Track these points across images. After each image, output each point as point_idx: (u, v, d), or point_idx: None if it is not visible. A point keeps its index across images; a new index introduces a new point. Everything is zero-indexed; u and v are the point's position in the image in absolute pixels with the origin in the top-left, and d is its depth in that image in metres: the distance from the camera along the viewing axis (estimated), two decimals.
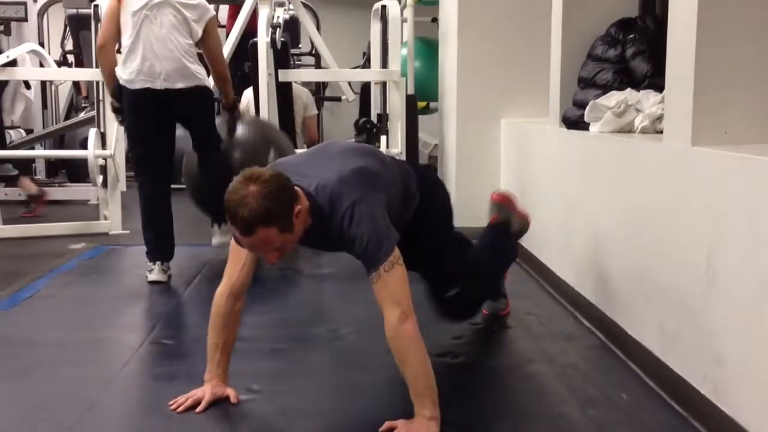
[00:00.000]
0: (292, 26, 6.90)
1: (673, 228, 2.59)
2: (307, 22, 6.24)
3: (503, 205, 3.43)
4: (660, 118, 3.12)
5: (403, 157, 5.48)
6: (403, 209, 2.63)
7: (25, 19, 7.94)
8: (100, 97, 5.82)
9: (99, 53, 4.31)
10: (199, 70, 4.11)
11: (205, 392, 2.48)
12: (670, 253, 2.61)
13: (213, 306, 2.52)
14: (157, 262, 4.12)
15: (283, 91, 5.55)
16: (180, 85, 4.03)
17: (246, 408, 2.48)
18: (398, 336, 2.22)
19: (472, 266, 3.06)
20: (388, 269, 2.22)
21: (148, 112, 4.07)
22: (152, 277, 4.08)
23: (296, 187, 2.26)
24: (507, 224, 3.40)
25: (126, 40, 4.04)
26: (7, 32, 7.79)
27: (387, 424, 2.25)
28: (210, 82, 4.34)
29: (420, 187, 2.76)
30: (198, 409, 2.43)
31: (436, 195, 2.91)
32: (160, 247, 4.18)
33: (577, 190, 3.59)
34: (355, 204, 2.25)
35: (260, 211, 2.11)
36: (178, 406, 2.45)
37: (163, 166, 4.26)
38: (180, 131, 4.29)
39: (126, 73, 4.02)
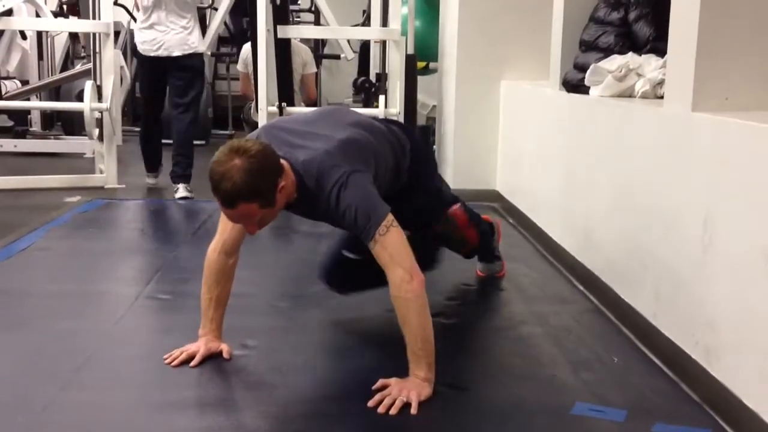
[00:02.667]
0: None
1: (670, 193, 2.59)
2: None
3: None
4: (661, 83, 3.10)
5: (402, 118, 5.45)
6: (393, 180, 2.61)
7: None
8: (97, 49, 5.76)
9: None
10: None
11: (199, 347, 2.49)
12: (667, 219, 2.61)
13: (205, 261, 2.53)
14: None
15: (282, 48, 5.49)
16: None
17: (240, 363, 2.49)
18: (401, 296, 2.22)
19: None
20: (383, 233, 2.22)
21: None
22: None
23: (283, 161, 2.25)
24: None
25: None
26: None
27: (380, 382, 2.27)
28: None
29: (413, 160, 2.72)
30: (192, 363, 2.44)
31: (429, 170, 2.89)
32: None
33: (576, 154, 3.58)
34: (341, 179, 2.24)
35: (242, 186, 2.10)
36: (173, 360, 2.46)
37: None
38: None
39: None
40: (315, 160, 2.28)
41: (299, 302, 3.15)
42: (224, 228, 2.49)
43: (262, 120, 5.33)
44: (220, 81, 9.24)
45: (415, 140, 2.81)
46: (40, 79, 7.80)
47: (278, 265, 3.72)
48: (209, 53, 5.73)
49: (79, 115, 5.74)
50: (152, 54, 5.32)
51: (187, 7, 5.33)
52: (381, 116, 5.41)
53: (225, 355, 2.50)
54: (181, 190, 5.27)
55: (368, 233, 2.23)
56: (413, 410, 2.17)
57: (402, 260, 2.24)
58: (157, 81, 5.50)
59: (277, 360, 2.55)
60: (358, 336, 2.81)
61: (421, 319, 2.24)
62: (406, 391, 2.21)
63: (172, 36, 5.29)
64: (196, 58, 5.42)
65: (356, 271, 2.82)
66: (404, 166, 2.69)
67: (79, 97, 5.91)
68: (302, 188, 2.29)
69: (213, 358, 2.49)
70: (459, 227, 3.15)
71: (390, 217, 2.26)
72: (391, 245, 2.23)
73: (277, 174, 2.20)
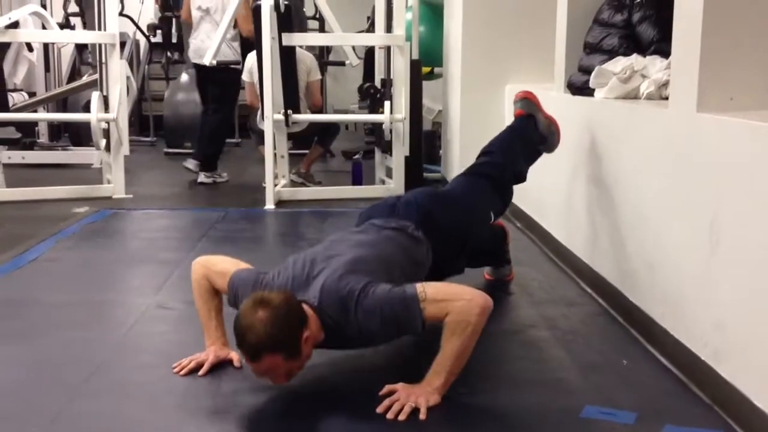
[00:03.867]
0: None
1: (677, 195, 2.59)
2: None
3: (529, 100, 3.42)
4: (666, 84, 3.10)
5: (407, 123, 5.45)
6: (418, 272, 2.59)
7: None
8: (103, 60, 5.79)
9: None
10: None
11: (208, 355, 2.50)
12: (674, 220, 2.60)
13: (193, 282, 2.54)
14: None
15: (287, 55, 5.51)
16: None
17: (248, 370, 2.48)
18: (468, 316, 2.20)
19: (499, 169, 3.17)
20: (423, 297, 2.20)
21: None
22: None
23: (304, 306, 2.24)
24: (533, 118, 3.40)
25: None
26: None
27: (387, 388, 2.27)
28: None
29: (430, 242, 2.72)
30: (201, 372, 2.45)
31: (448, 231, 2.84)
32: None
33: (582, 156, 3.57)
34: (359, 298, 2.22)
35: (266, 340, 2.11)
36: (182, 369, 2.47)
37: None
38: None
39: None
40: (331, 289, 2.26)
41: None
42: (216, 277, 2.49)
43: (268, 128, 5.35)
44: None
45: (427, 217, 2.76)
46: (46, 90, 7.85)
47: None
48: (215, 63, 5.76)
49: (86, 126, 5.77)
50: (196, 61, 6.25)
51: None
52: (387, 126, 5.43)
53: (235, 363, 2.50)
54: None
55: (416, 318, 2.20)
56: (422, 416, 2.17)
57: (461, 294, 2.23)
58: (201, 86, 6.48)
59: None
60: None
61: (469, 343, 2.23)
62: (414, 396, 2.21)
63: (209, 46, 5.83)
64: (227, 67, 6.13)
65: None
66: (423, 259, 2.68)
67: (86, 108, 5.94)
68: (326, 323, 2.27)
69: (222, 365, 2.50)
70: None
71: (418, 285, 2.24)
72: (438, 294, 2.22)
73: (301, 323, 2.20)
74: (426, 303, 2.20)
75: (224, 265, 2.52)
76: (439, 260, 2.76)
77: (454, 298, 2.22)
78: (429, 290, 2.23)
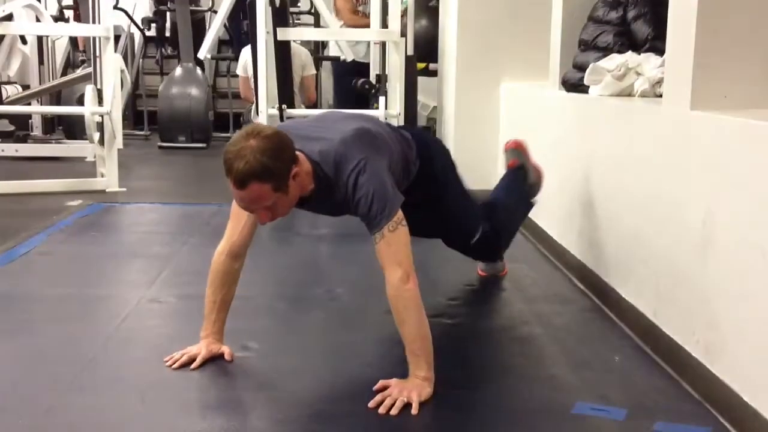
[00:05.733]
0: None
1: (670, 192, 2.59)
2: None
3: (519, 150, 3.46)
4: (660, 81, 3.10)
5: (402, 120, 5.45)
6: (402, 175, 2.63)
7: None
8: (97, 53, 5.77)
9: None
10: None
11: (200, 349, 2.49)
12: (667, 217, 2.61)
13: (212, 264, 2.53)
14: None
15: (282, 50, 5.50)
16: None
17: (241, 365, 2.49)
18: (399, 296, 2.23)
19: (489, 210, 3.17)
20: (392, 229, 2.23)
21: None
22: None
23: (298, 152, 2.25)
24: (524, 169, 3.43)
25: None
26: None
27: (381, 383, 2.27)
28: None
29: (419, 152, 2.76)
30: (193, 366, 2.44)
31: (436, 156, 2.90)
32: None
33: (576, 153, 3.58)
34: (359, 165, 2.25)
35: (255, 165, 2.10)
36: (174, 363, 2.46)
37: None
38: None
39: None
40: (332, 148, 2.29)
41: (300, 304, 3.15)
42: (233, 231, 2.49)
43: (262, 122, 5.34)
44: (220, 82, 9.26)
45: (420, 136, 2.84)
46: (40, 83, 7.82)
47: (279, 268, 3.73)
48: (209, 56, 5.75)
49: (80, 119, 5.75)
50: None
51: None
52: (382, 119, 5.43)
53: (227, 357, 2.50)
54: None
55: (378, 224, 2.23)
56: (414, 410, 2.17)
57: (402, 261, 2.24)
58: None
59: (278, 362, 2.56)
60: (358, 338, 2.80)
61: (419, 319, 2.25)
62: (406, 391, 2.21)
63: None
64: None
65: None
66: (412, 159, 2.71)
67: (80, 102, 5.92)
68: (319, 177, 2.29)
69: (214, 360, 2.49)
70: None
71: (401, 214, 2.27)
72: (397, 244, 2.24)
73: (291, 158, 2.20)
74: (389, 234, 2.22)
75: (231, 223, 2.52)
76: (409, 194, 2.69)
77: (399, 262, 2.23)
78: (399, 231, 2.23)
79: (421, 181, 2.76)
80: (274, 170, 2.14)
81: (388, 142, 2.50)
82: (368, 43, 6.27)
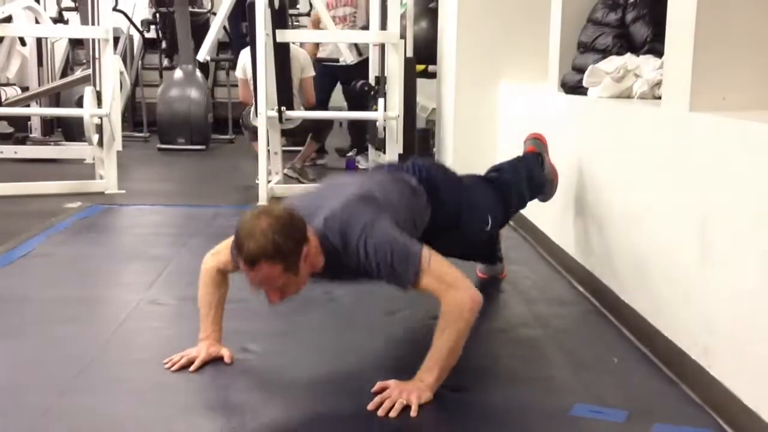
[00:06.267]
0: None
1: (669, 194, 2.59)
2: None
3: (539, 141, 3.48)
4: (659, 83, 3.10)
5: (401, 121, 5.46)
6: (414, 226, 2.58)
7: None
8: (96, 55, 5.77)
9: None
10: None
11: (199, 351, 2.49)
12: (666, 219, 2.61)
13: (201, 271, 2.54)
14: None
15: (281, 52, 5.50)
16: None
17: (241, 367, 2.49)
18: (459, 315, 2.19)
19: (500, 193, 3.16)
20: (426, 265, 2.20)
21: None
22: None
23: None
24: (541, 157, 3.44)
25: None
26: None
27: (379, 385, 2.27)
28: None
29: (429, 197, 2.71)
30: (192, 368, 2.44)
31: (444, 191, 2.82)
32: None
33: (575, 155, 3.58)
34: (365, 231, 2.22)
35: (266, 245, 2.09)
36: (173, 365, 2.46)
37: None
38: None
39: None
40: (335, 216, 2.27)
41: (299, 305, 3.13)
42: (226, 257, 2.47)
43: (261, 124, 5.34)
44: (219, 86, 9.26)
45: (428, 178, 2.76)
46: (39, 85, 7.80)
47: None
48: (209, 59, 5.75)
49: (79, 121, 5.74)
50: None
51: None
52: (380, 123, 5.44)
53: (226, 359, 2.50)
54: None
55: (409, 276, 2.20)
56: (413, 413, 2.17)
57: (456, 280, 2.22)
58: None
59: (277, 364, 2.56)
60: (358, 339, 2.80)
61: (460, 339, 2.23)
62: (405, 393, 2.21)
63: None
64: None
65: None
66: (421, 206, 2.67)
67: (79, 103, 5.92)
68: (327, 249, 2.27)
69: (213, 362, 2.49)
70: None
71: (425, 249, 2.23)
72: (440, 272, 2.22)
73: (302, 238, 2.18)
74: (425, 272, 2.19)
75: (228, 241, 2.51)
76: (431, 228, 2.71)
77: (453, 284, 2.21)
78: (434, 262, 2.21)
79: (436, 219, 2.74)
80: (285, 250, 2.13)
81: (392, 203, 2.45)
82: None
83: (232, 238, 2.50)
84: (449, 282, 2.22)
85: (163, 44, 8.93)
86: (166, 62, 9.01)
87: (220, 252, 2.52)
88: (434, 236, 2.66)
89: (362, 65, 6.30)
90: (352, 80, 6.13)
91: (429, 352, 2.25)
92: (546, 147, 3.49)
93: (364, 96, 5.97)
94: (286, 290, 2.23)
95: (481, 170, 3.45)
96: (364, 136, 6.48)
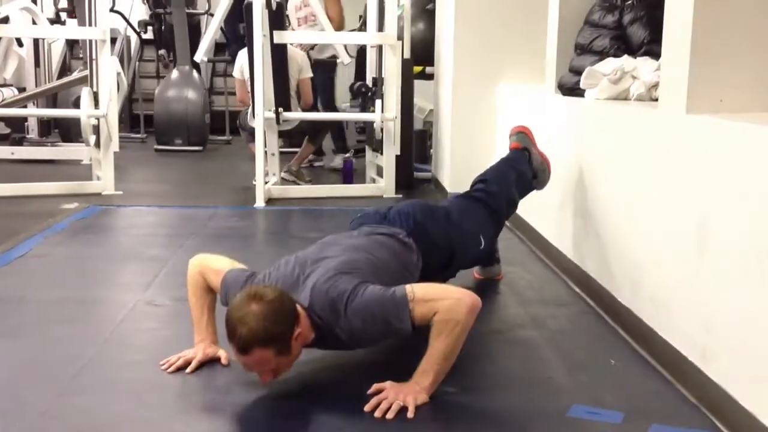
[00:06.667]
0: None
1: (666, 195, 2.60)
2: None
3: (524, 134, 3.48)
4: (656, 85, 3.11)
5: (398, 122, 5.46)
6: (407, 279, 2.53)
7: None
8: (93, 56, 5.77)
9: None
10: None
11: (196, 352, 2.49)
12: (663, 221, 2.61)
13: (189, 278, 2.55)
14: None
15: (278, 53, 5.50)
16: None
17: (237, 368, 2.48)
18: (455, 317, 2.20)
19: (491, 201, 3.20)
20: (412, 297, 2.20)
21: None
22: None
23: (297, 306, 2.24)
24: (528, 152, 3.45)
25: None
26: None
27: (375, 386, 2.27)
28: None
29: (419, 247, 2.72)
30: (188, 370, 2.45)
31: (433, 234, 2.84)
32: None
33: (572, 157, 3.58)
34: (350, 298, 2.22)
35: (259, 332, 2.10)
36: (170, 366, 2.46)
37: None
38: None
39: None
40: (321, 291, 2.26)
41: None
42: (216, 275, 2.47)
43: (259, 125, 5.34)
44: (216, 94, 9.25)
45: (416, 228, 2.77)
46: (37, 86, 7.81)
47: None
48: (206, 59, 5.76)
49: (76, 122, 5.75)
50: None
51: None
52: (378, 125, 5.44)
53: (223, 361, 2.50)
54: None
55: (404, 317, 2.20)
56: (410, 414, 2.17)
57: (447, 293, 2.25)
58: None
59: None
60: None
61: (456, 343, 2.23)
62: (402, 395, 2.21)
63: None
64: None
65: None
66: (413, 260, 2.68)
67: (76, 104, 5.92)
68: (315, 322, 2.28)
69: (210, 363, 2.49)
70: None
71: (408, 289, 2.23)
72: (427, 294, 2.22)
73: (293, 320, 2.19)
74: (415, 303, 2.20)
75: (220, 264, 2.52)
76: (427, 270, 2.75)
77: (443, 297, 2.23)
78: (417, 291, 2.24)
79: (429, 262, 2.76)
80: (277, 335, 2.14)
81: (377, 265, 2.44)
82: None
83: (220, 259, 2.54)
84: (439, 297, 2.23)
85: (161, 46, 8.92)
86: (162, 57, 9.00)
87: (209, 273, 2.51)
88: (431, 276, 2.70)
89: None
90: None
91: (426, 355, 2.26)
92: (532, 139, 3.49)
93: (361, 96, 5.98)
94: (279, 370, 2.25)
95: (478, 171, 3.46)
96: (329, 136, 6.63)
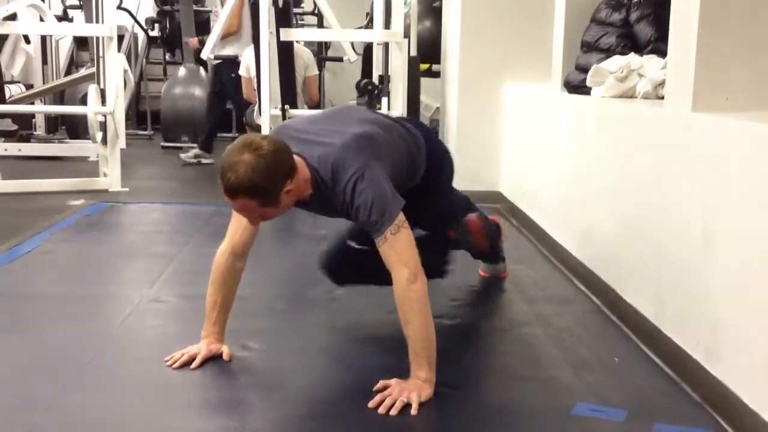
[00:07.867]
0: None
1: (671, 193, 2.59)
2: None
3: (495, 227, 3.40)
4: (662, 83, 3.10)
5: None
6: (407, 176, 2.61)
7: None
8: (100, 53, 5.78)
9: None
10: None
11: (200, 349, 2.49)
12: (668, 219, 2.61)
13: (214, 263, 2.53)
14: None
15: (285, 51, 5.50)
16: None
17: (241, 364, 2.50)
18: (405, 296, 2.23)
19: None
20: (394, 232, 2.24)
21: None
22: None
23: (297, 157, 2.25)
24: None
25: None
26: None
27: (381, 383, 2.27)
28: None
29: (429, 159, 2.72)
30: (193, 365, 2.45)
31: (443, 166, 2.87)
32: None
33: (578, 154, 3.58)
34: (357, 173, 2.24)
35: (244, 181, 2.12)
36: (174, 362, 2.46)
37: None
38: None
39: None
40: (330, 154, 2.28)
41: (300, 304, 3.15)
42: (234, 230, 2.50)
43: (265, 122, 5.35)
44: None
45: (430, 136, 2.82)
46: (44, 83, 7.83)
47: (279, 268, 3.73)
48: (212, 57, 5.77)
49: (83, 118, 5.76)
50: None
51: None
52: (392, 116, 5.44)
53: (225, 357, 2.50)
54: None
55: (379, 229, 2.24)
56: (413, 411, 2.17)
57: (408, 261, 2.25)
58: None
59: (278, 362, 2.56)
60: (358, 338, 2.81)
61: (424, 319, 2.25)
62: (406, 392, 2.21)
63: None
64: None
65: (358, 263, 2.81)
66: (419, 162, 2.69)
67: (83, 101, 5.93)
68: (318, 183, 2.30)
69: (214, 359, 2.50)
70: (474, 237, 3.16)
71: (402, 216, 2.27)
72: (400, 245, 2.25)
73: (285, 175, 2.20)
74: (391, 237, 2.23)
75: (233, 223, 2.52)
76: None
77: (405, 263, 2.24)
78: (401, 234, 2.24)
79: (422, 184, 2.73)
80: (262, 188, 2.15)
81: (390, 146, 2.47)
82: None
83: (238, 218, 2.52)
84: (403, 261, 2.24)
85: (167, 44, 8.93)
86: (168, 56, 9.01)
87: (228, 236, 2.52)
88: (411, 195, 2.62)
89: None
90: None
91: (409, 348, 2.26)
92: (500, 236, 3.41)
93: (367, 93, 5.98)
94: (266, 216, 2.28)
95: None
96: None
